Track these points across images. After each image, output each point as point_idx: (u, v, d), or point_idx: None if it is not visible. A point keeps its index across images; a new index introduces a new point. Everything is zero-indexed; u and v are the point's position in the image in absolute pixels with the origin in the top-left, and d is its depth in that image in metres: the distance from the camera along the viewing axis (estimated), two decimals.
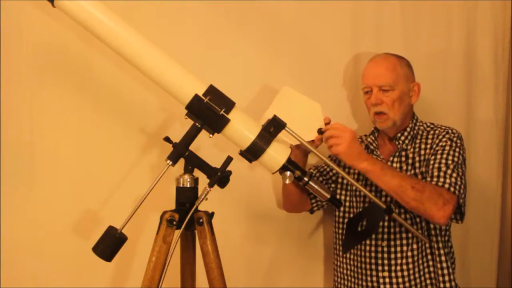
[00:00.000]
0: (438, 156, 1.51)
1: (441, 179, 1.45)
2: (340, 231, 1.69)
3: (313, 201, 1.73)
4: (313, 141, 1.46)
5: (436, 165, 1.49)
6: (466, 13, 1.93)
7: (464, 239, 1.90)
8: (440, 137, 1.56)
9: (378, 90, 1.57)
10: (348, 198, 1.69)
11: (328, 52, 1.88)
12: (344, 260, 1.68)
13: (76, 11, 1.22)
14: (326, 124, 1.46)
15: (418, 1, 1.92)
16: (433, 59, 1.92)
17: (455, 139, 1.54)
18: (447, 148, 1.51)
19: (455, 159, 1.49)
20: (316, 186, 1.40)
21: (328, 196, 1.42)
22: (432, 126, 1.64)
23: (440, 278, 1.53)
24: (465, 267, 1.90)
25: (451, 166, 1.47)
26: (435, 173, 1.47)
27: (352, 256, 1.64)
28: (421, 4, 1.92)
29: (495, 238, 1.94)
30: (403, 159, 1.61)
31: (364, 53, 1.87)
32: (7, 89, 1.64)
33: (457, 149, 1.52)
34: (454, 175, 1.46)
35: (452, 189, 1.43)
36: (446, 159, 1.49)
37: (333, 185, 1.74)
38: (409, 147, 1.61)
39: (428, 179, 1.48)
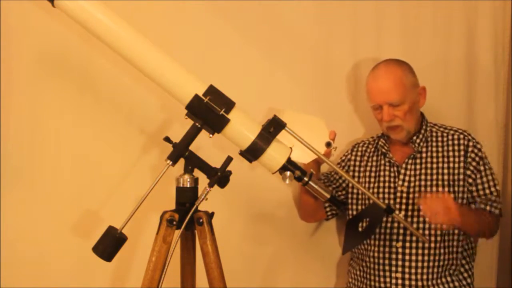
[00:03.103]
0: (484, 178, 1.58)
1: (495, 204, 1.57)
2: None
3: (328, 209, 1.75)
4: (323, 155, 1.47)
5: (488, 190, 1.59)
6: (466, 14, 1.93)
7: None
8: (465, 147, 1.60)
9: (388, 107, 1.56)
10: (359, 207, 1.69)
11: (328, 53, 1.88)
12: (358, 261, 1.68)
13: (76, 11, 1.22)
14: (332, 138, 1.48)
15: (418, 1, 1.92)
16: (434, 60, 1.91)
17: (481, 153, 1.61)
18: (482, 168, 1.59)
19: (494, 175, 1.60)
20: (316, 186, 1.40)
21: (328, 196, 1.42)
22: (443, 128, 1.65)
23: (461, 283, 1.55)
24: None
25: (497, 187, 1.60)
26: (490, 198, 1.58)
27: (365, 258, 1.64)
28: (421, 5, 1.92)
29: (495, 238, 1.93)
30: (418, 161, 1.61)
31: (365, 52, 1.87)
32: (7, 88, 1.64)
33: (488, 164, 1.61)
34: (499, 194, 1.59)
35: (497, 211, 1.57)
36: (488, 180, 1.59)
37: (343, 192, 1.75)
38: (423, 149, 1.62)
39: (484, 202, 1.56)
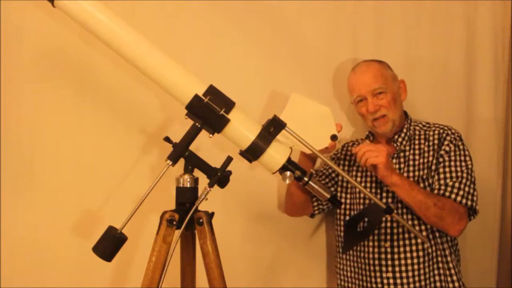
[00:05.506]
0: (447, 164, 1.53)
1: (455, 190, 1.48)
2: (342, 233, 1.69)
3: (315, 204, 1.74)
4: (326, 147, 1.45)
5: (448, 175, 1.51)
6: (466, 13, 1.93)
7: (464, 239, 1.90)
8: (442, 140, 1.56)
9: (372, 97, 1.59)
10: (348, 201, 1.69)
11: (328, 53, 1.89)
12: (347, 263, 1.68)
13: (76, 11, 1.22)
14: (339, 131, 1.47)
15: (418, 1, 1.92)
16: (433, 59, 1.92)
17: (457, 142, 1.55)
18: (452, 154, 1.53)
19: (463, 163, 1.52)
20: (316, 186, 1.40)
21: (328, 196, 1.42)
22: (427, 125, 1.64)
23: (449, 278, 1.54)
24: (465, 267, 1.90)
25: (465, 175, 1.50)
26: (449, 183, 1.50)
27: (355, 258, 1.64)
28: (421, 5, 1.92)
29: (495, 238, 1.94)
30: (402, 160, 1.61)
31: (365, 52, 1.87)
32: (7, 89, 1.64)
33: (462, 152, 1.54)
34: (468, 183, 1.49)
35: (464, 201, 1.47)
36: (455, 166, 1.52)
37: (334, 186, 1.75)
38: (407, 148, 1.61)
39: (442, 187, 1.49)
